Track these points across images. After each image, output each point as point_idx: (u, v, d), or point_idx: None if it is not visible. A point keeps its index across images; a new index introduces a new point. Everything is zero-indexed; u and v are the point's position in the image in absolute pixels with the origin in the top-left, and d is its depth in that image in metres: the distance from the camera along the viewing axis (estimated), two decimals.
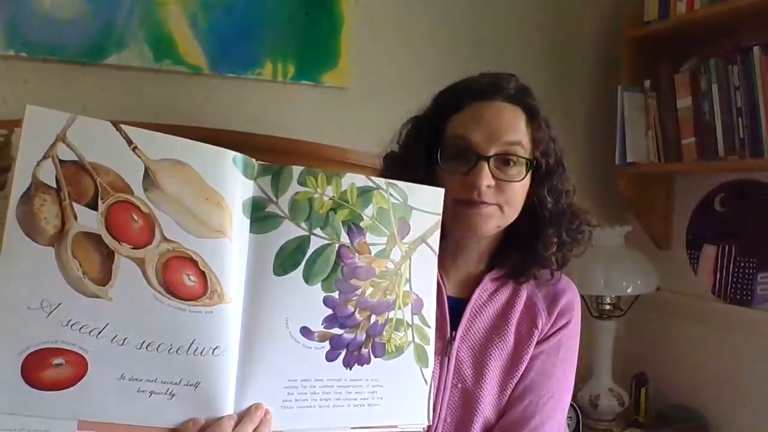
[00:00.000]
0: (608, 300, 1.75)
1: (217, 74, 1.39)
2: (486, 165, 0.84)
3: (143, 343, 0.63)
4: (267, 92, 1.46)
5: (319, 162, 1.42)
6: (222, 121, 1.38)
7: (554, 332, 0.95)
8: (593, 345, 1.74)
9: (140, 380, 0.63)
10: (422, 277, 0.77)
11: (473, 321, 0.93)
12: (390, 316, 0.74)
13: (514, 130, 0.87)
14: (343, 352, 0.72)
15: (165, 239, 0.64)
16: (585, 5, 1.88)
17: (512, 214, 0.89)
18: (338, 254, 0.71)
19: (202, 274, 0.65)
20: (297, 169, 0.70)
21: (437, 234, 0.77)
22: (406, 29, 1.62)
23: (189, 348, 0.65)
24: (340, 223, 0.72)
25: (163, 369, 0.64)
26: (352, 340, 0.72)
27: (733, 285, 1.68)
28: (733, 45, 1.52)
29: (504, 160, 0.86)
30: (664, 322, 1.87)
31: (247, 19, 1.40)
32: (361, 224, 0.73)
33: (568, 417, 1.57)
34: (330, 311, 0.71)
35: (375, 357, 0.74)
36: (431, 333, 0.77)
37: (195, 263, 0.65)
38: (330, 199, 0.71)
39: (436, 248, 0.78)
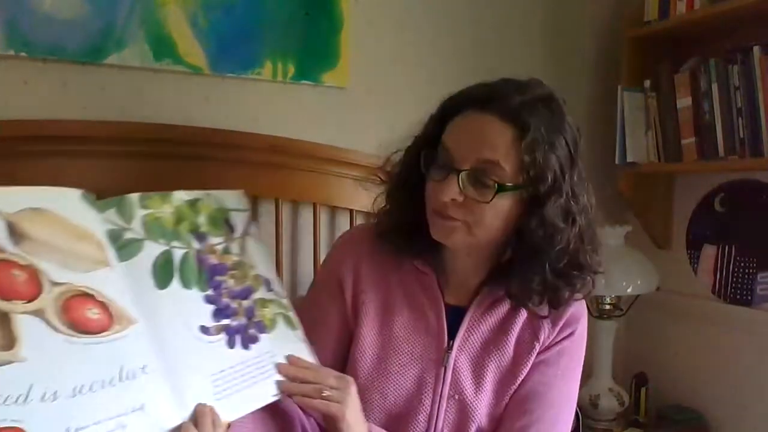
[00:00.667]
0: (608, 300, 1.75)
1: (217, 74, 1.38)
2: (456, 179, 0.80)
3: (75, 389, 0.61)
4: (267, 92, 1.45)
5: (319, 161, 1.42)
6: (222, 121, 1.38)
7: (557, 342, 0.93)
8: (593, 345, 1.73)
9: (87, 427, 0.60)
10: (261, 261, 0.89)
11: (471, 331, 0.91)
12: (255, 298, 0.85)
13: (494, 148, 0.80)
14: (238, 337, 0.80)
15: (54, 283, 0.64)
16: (585, 5, 1.88)
17: (483, 234, 0.84)
18: (197, 259, 0.81)
19: (102, 305, 0.67)
20: (135, 196, 0.78)
21: (254, 225, 0.91)
22: (406, 29, 1.62)
23: (121, 375, 0.65)
24: (187, 233, 0.81)
25: (105, 406, 0.62)
26: (239, 326, 0.81)
27: (733, 285, 1.68)
28: (733, 45, 1.52)
29: (477, 177, 0.81)
30: (664, 322, 1.86)
31: (247, 19, 1.40)
32: (202, 230, 0.83)
33: None
34: (213, 307, 0.79)
35: (261, 333, 0.82)
36: (287, 301, 0.89)
37: (92, 297, 0.66)
38: (171, 214, 0.80)
39: (258, 236, 0.91)
